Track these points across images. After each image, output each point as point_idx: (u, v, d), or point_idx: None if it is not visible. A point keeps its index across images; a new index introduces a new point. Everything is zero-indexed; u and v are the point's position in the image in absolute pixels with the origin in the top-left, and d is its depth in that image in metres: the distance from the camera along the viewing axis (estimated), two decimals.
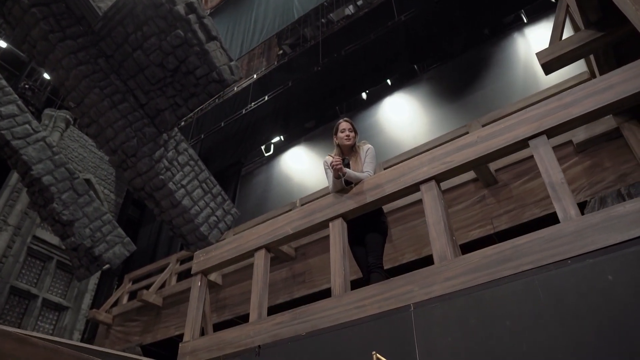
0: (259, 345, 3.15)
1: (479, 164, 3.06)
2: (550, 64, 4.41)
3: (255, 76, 11.08)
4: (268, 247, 3.71)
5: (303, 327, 3.05)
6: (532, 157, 5.02)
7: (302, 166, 10.63)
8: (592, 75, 5.42)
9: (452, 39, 8.63)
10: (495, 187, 5.31)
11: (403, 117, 9.71)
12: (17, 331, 2.71)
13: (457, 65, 9.25)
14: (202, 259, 4.05)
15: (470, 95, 8.85)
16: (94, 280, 10.98)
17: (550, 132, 2.81)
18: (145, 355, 7.17)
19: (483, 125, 5.92)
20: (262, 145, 10.71)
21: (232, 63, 6.03)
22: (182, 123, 7.18)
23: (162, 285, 7.61)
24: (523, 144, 2.87)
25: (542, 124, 2.82)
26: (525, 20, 8.53)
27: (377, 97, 10.13)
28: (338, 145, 3.76)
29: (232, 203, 7.24)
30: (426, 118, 9.35)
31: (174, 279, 7.74)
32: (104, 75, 6.08)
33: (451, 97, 9.12)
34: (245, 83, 11.12)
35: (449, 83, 9.27)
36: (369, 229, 3.45)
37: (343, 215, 3.38)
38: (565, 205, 2.56)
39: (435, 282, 2.71)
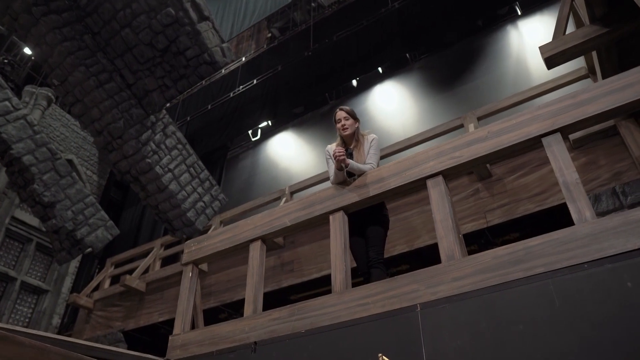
0: (255, 342, 3.01)
1: (489, 160, 2.94)
2: (553, 59, 4.30)
3: (243, 59, 10.79)
4: (264, 239, 3.56)
5: (302, 324, 2.92)
6: (527, 152, 4.97)
7: (290, 152, 10.44)
8: (591, 71, 5.34)
9: (445, 29, 8.49)
10: (489, 181, 5.23)
11: (393, 105, 9.57)
12: (1, 326, 2.52)
13: (449, 56, 9.12)
14: (194, 248, 3.88)
15: (461, 86, 8.74)
16: (74, 264, 10.67)
17: (564, 130, 2.70)
18: (127, 341, 6.99)
19: (478, 118, 5.83)
20: (249, 129, 10.45)
21: (224, 45, 5.79)
22: (168, 105, 6.92)
23: (146, 271, 7.41)
24: (536, 141, 2.76)
25: (556, 121, 2.71)
26: (519, 13, 8.42)
27: (367, 84, 9.96)
28: (340, 136, 3.61)
29: (219, 188, 7.03)
30: (416, 108, 9.23)
31: (158, 264, 7.54)
32: (90, 52, 5.78)
33: (442, 88, 9.01)
34: (233, 66, 10.82)
35: (440, 73, 9.14)
36: (371, 222, 3.31)
37: (344, 209, 3.24)
38: (580, 207, 2.46)
39: (443, 281, 2.60)
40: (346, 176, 3.33)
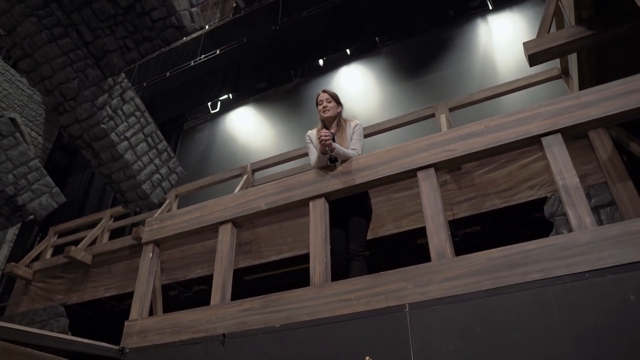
0: (224, 334, 2.75)
1: (484, 156, 2.78)
2: (536, 56, 4.20)
3: (207, 27, 10.20)
4: (235, 222, 3.27)
5: (276, 317, 2.69)
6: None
7: (249, 128, 10.04)
8: (564, 72, 5.32)
9: (418, 16, 8.31)
10: (458, 174, 5.13)
11: (357, 88, 9.36)
12: None
13: (418, 44, 8.97)
14: (156, 227, 3.53)
15: (427, 75, 8.64)
16: (13, 231, 9.86)
17: (565, 132, 2.57)
18: (69, 315, 6.52)
19: (450, 109, 5.72)
20: (209, 101, 9.93)
21: (193, 9, 5.35)
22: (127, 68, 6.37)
23: (93, 242, 6.91)
24: (535, 140, 2.62)
25: (558, 121, 2.57)
26: (490, 7, 8.36)
27: (333, 65, 9.67)
28: (322, 120, 3.36)
29: (177, 161, 6.61)
30: (381, 93, 9.06)
31: (107, 236, 7.04)
32: (43, 2, 5.18)
33: (407, 75, 8.87)
34: (196, 34, 10.20)
35: (407, 60, 8.99)
36: (352, 212, 3.10)
37: (326, 195, 3.01)
38: (580, 213, 2.34)
39: (432, 281, 2.43)
40: (328, 161, 3.10)
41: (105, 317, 7.30)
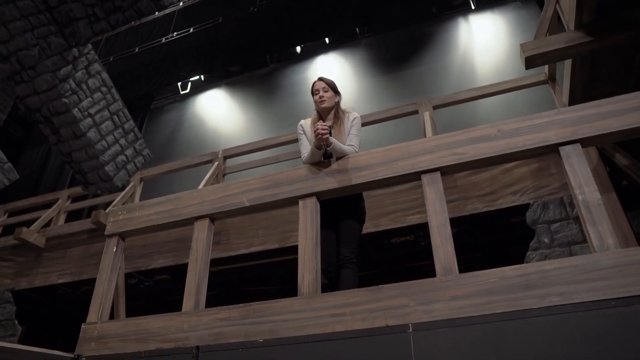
0: (198, 346, 2.39)
1: (496, 162, 2.51)
2: (533, 59, 3.98)
3: (181, 4, 9.58)
4: (213, 217, 2.90)
5: (258, 329, 2.35)
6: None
7: (220, 112, 9.54)
8: (551, 78, 5.16)
9: (400, 9, 8.02)
10: None
11: (333, 78, 8.93)
12: None
13: (398, 37, 8.70)
14: (122, 218, 3.10)
15: (405, 70, 8.39)
16: None
17: (585, 142, 2.33)
18: (17, 301, 5.95)
19: (434, 107, 5.48)
20: (179, 81, 9.36)
21: None
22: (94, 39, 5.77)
23: (47, 224, 6.33)
24: (552, 149, 2.37)
25: (578, 130, 2.33)
26: (472, 7, 8.17)
27: (311, 52, 9.28)
28: (318, 111, 3.02)
29: (144, 142, 6.11)
30: (357, 85, 8.76)
31: (63, 218, 6.47)
32: None
33: (386, 68, 8.60)
34: (168, 9, 9.57)
35: (386, 54, 8.71)
36: (346, 215, 2.77)
37: (318, 194, 2.67)
38: (602, 232, 2.10)
39: (438, 299, 2.15)
40: (322, 157, 2.77)
41: (57, 304, 6.76)
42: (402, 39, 8.63)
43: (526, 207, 4.65)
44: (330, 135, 2.68)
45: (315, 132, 2.60)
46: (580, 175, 2.25)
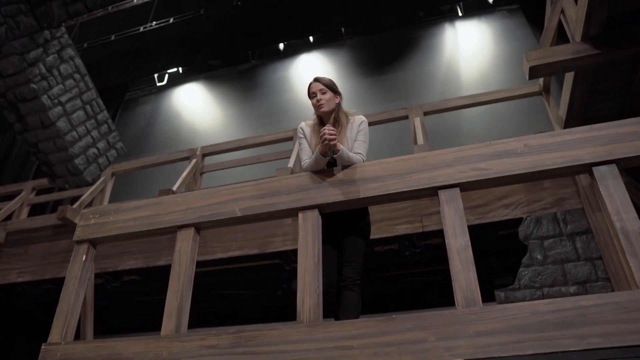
0: None
1: (522, 180, 2.24)
2: (537, 70, 3.77)
3: None
4: (199, 227, 2.54)
5: None
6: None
7: (197, 106, 9.07)
8: (545, 90, 4.97)
9: (388, 11, 7.76)
10: None
11: None
12: None
13: (383, 40, 8.43)
14: (93, 222, 2.69)
15: (389, 74, 8.14)
16: None
17: (621, 163, 2.09)
18: None
19: (425, 113, 5.24)
20: (157, 72, 8.84)
21: None
22: (68, 23, 5.26)
23: (8, 217, 5.78)
24: (584, 169, 2.12)
25: (614, 150, 2.08)
26: (460, 14, 7.98)
27: (294, 50, 8.91)
28: (318, 116, 2.69)
29: (118, 135, 5.64)
30: (339, 86, 8.45)
31: (26, 211, 5.93)
32: None
33: (369, 71, 8.32)
34: None
35: (370, 56, 8.43)
36: (349, 230, 2.45)
37: (320, 207, 2.35)
38: None
39: (461, 334, 1.86)
40: (325, 165, 2.44)
41: (15, 300, 6.22)
42: (387, 42, 8.38)
43: (516, 220, 4.46)
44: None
45: (321, 136, 2.27)
46: (618, 200, 2.00)
